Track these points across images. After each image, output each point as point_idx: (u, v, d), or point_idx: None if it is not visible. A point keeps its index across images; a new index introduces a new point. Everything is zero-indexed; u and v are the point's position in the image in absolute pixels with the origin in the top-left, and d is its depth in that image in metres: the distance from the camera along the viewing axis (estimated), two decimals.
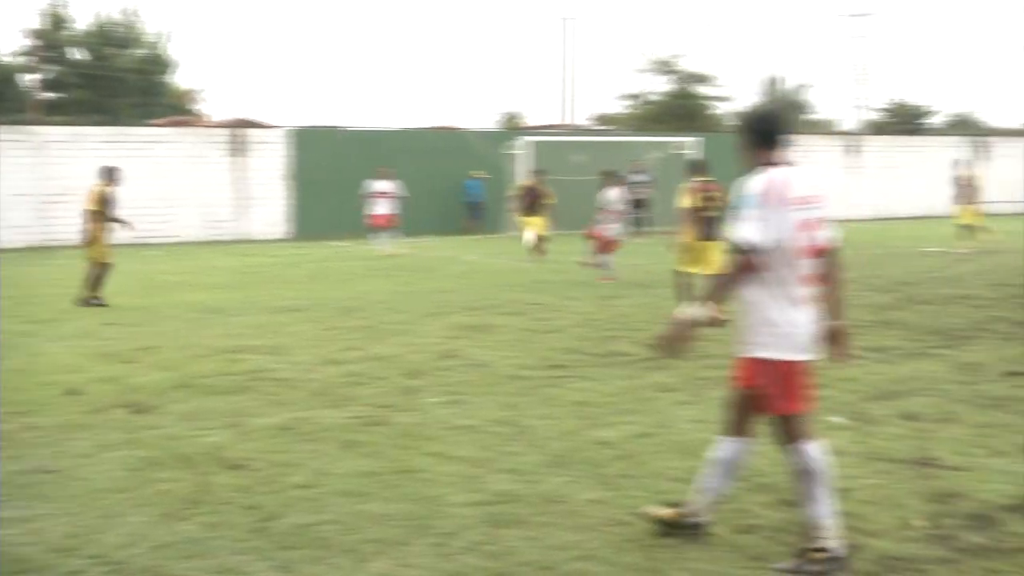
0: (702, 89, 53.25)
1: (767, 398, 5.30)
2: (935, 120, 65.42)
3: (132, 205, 30.99)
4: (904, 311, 14.01)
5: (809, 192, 5.30)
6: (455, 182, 34.49)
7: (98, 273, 16.04)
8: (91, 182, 16.94)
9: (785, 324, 5.25)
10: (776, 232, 5.14)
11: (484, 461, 6.98)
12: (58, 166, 30.49)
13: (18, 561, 5.26)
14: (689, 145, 34.77)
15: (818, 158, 41.50)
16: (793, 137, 5.30)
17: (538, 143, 34.27)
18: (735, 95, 56.42)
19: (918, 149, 45.53)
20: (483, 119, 69.84)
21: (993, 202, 46.22)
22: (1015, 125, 60.00)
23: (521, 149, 33.61)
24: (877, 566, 5.07)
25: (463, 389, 9.31)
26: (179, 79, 54.34)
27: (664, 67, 54.02)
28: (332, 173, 33.07)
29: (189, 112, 50.33)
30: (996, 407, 8.32)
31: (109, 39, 47.36)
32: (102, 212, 16.20)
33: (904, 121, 61.24)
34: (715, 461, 5.44)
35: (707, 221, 13.47)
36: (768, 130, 5.41)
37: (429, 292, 17.14)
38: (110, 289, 16.22)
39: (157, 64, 49.21)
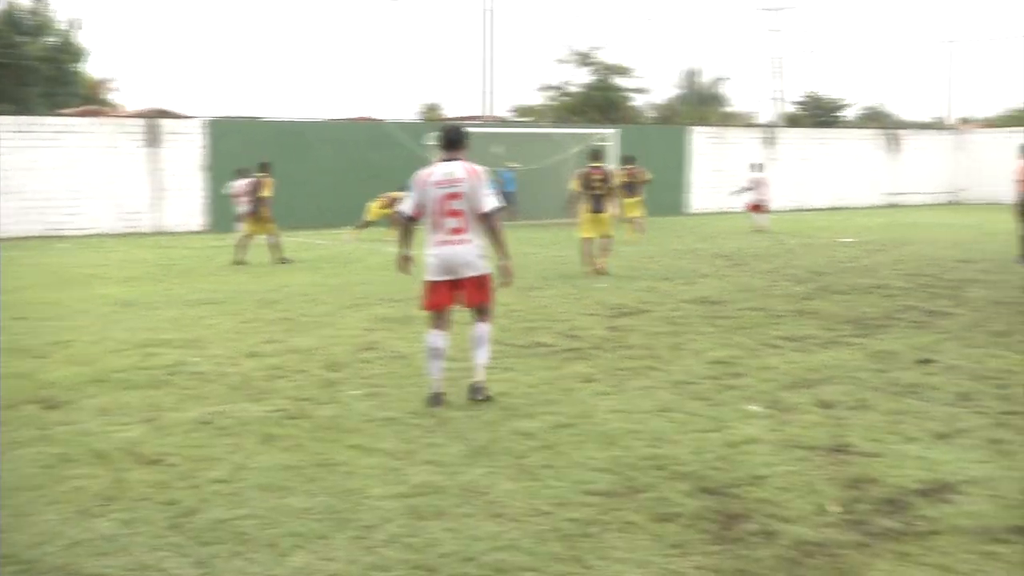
0: (621, 81, 53.58)
1: (423, 300, 8.51)
2: (848, 113, 66.58)
3: (42, 196, 30.59)
4: (820, 301, 14.24)
5: (449, 178, 8.20)
6: (374, 174, 34.33)
7: (276, 241, 21.25)
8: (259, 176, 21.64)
9: (432, 257, 8.32)
10: (421, 202, 8.27)
11: (405, 453, 6.96)
12: None
13: None
14: (608, 136, 34.98)
15: (738, 150, 42.03)
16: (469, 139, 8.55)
17: None
18: (653, 87, 56.86)
19: (832, 141, 46.32)
20: (403, 110, 69.59)
21: (904, 193, 47.35)
22: (926, 119, 61.29)
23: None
24: (794, 551, 5.15)
25: (384, 381, 9.28)
26: (91, 68, 53.38)
27: (584, 59, 54.24)
28: (251, 164, 32.79)
29: (101, 102, 49.43)
30: (908, 394, 8.50)
31: (18, 27, 46.27)
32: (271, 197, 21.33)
33: (819, 114, 62.19)
34: (428, 350, 8.44)
35: (595, 198, 17.89)
36: (441, 139, 8.46)
37: (349, 284, 17.05)
38: (24, 282, 15.90)
39: (68, 53, 48.17)
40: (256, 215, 21.44)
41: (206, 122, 33.03)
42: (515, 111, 44.67)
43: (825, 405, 8.16)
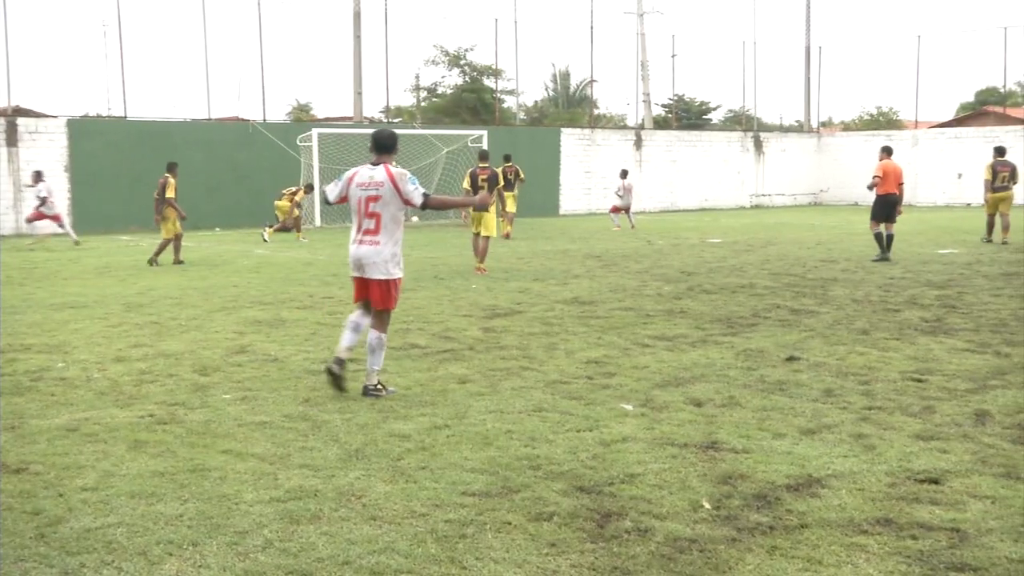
0: (491, 83, 53.69)
1: None
2: (715, 116, 67.88)
3: None
4: (690, 300, 14.50)
5: (371, 181, 8.63)
6: (243, 174, 33.84)
7: (166, 244, 21.30)
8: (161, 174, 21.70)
9: (350, 254, 8.84)
10: (343, 195, 8.83)
11: (279, 457, 6.88)
12: None
13: None
14: (479, 138, 35.16)
15: (608, 152, 42.50)
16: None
17: (329, 135, 34.04)
18: (524, 89, 57.05)
19: (699, 144, 47.17)
20: (273, 110, 68.70)
21: (769, 195, 48.49)
22: (789, 122, 62.85)
23: (311, 141, 33.30)
24: (668, 547, 5.22)
25: (256, 385, 9.15)
26: None
27: (454, 60, 54.25)
28: (115, 165, 32.04)
29: None
30: (776, 391, 8.71)
31: None
32: (174, 197, 21.21)
33: (686, 116, 63.25)
34: (349, 324, 8.90)
35: None
36: (371, 142, 8.90)
37: (218, 287, 16.78)
38: None
39: None
40: (161, 215, 21.39)
41: (69, 121, 32.17)
42: (386, 112, 44.37)
43: (696, 403, 8.31)
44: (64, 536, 5.45)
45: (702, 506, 5.83)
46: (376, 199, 8.62)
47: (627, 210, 32.61)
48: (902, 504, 5.83)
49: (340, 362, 8.66)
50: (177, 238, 21.51)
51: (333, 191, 8.97)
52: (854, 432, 7.36)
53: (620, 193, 32.97)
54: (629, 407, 8.17)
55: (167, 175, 21.54)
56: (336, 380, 8.67)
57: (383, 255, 8.65)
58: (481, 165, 21.01)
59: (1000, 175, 24.40)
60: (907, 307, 13.60)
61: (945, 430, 7.41)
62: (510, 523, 5.59)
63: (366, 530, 5.50)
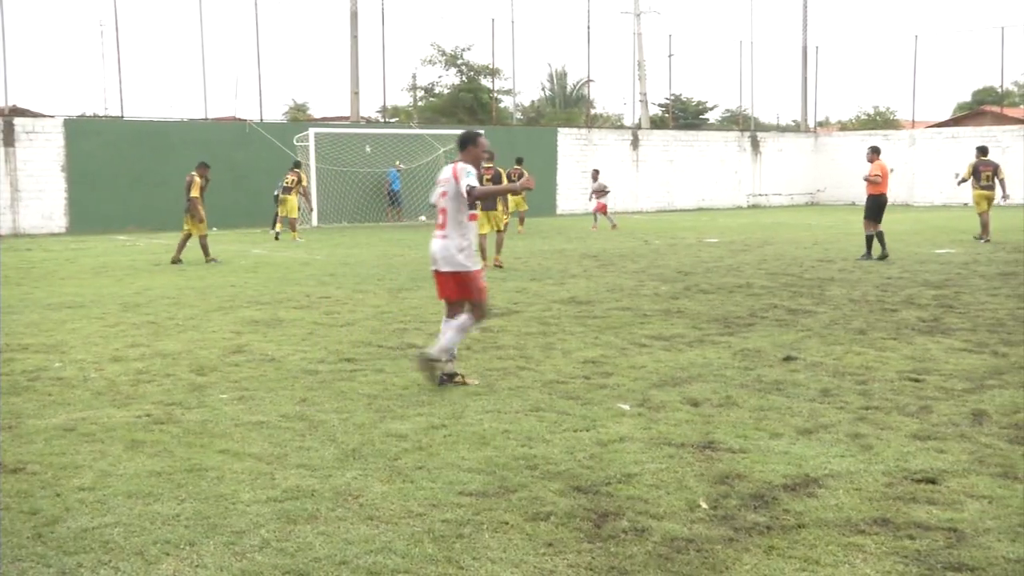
0: (488, 82, 53.67)
1: None
2: (712, 116, 67.89)
3: None
4: (687, 300, 14.50)
5: (443, 178, 9.11)
6: (241, 174, 33.83)
7: (205, 241, 21.46)
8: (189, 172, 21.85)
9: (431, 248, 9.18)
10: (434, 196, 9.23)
11: (276, 457, 6.88)
12: None
13: None
14: None
15: (604, 151, 42.49)
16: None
17: (326, 135, 34.03)
18: (520, 88, 57.01)
19: (697, 143, 47.16)
20: (270, 110, 68.61)
21: (766, 195, 48.49)
22: (786, 121, 62.85)
23: (308, 141, 33.30)
24: (665, 547, 5.22)
25: (253, 385, 9.15)
26: None
27: (451, 60, 54.23)
28: (112, 165, 32.02)
29: None
30: (773, 391, 8.71)
31: None
32: (201, 196, 21.38)
33: (683, 116, 63.24)
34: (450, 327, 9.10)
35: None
36: (459, 141, 9.27)
37: (215, 287, 16.77)
38: None
39: None
40: (188, 213, 21.57)
41: (66, 121, 32.14)
42: (383, 112, 44.35)
43: (693, 403, 8.31)
44: (61, 536, 5.44)
45: (699, 506, 5.83)
46: (444, 195, 9.05)
47: (603, 210, 32.61)
48: (899, 504, 5.84)
49: (449, 375, 9.04)
50: (185, 238, 21.63)
51: (433, 194, 9.44)
52: (851, 432, 7.36)
53: (607, 189, 33.18)
54: (626, 407, 8.17)
55: (193, 173, 21.64)
56: (434, 375, 9.03)
57: (450, 248, 8.99)
58: (485, 165, 21.35)
59: (984, 174, 24.79)
60: (904, 307, 13.61)
61: (942, 430, 7.41)
62: (507, 523, 5.59)
63: (363, 530, 5.50)
